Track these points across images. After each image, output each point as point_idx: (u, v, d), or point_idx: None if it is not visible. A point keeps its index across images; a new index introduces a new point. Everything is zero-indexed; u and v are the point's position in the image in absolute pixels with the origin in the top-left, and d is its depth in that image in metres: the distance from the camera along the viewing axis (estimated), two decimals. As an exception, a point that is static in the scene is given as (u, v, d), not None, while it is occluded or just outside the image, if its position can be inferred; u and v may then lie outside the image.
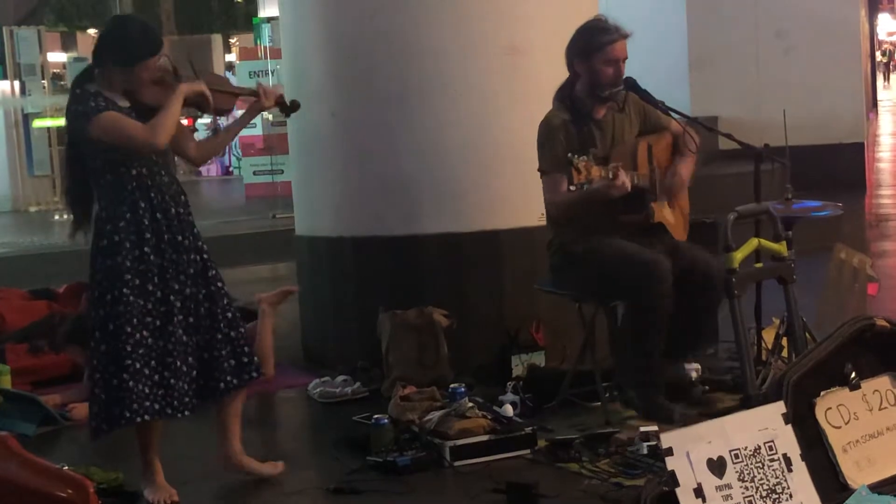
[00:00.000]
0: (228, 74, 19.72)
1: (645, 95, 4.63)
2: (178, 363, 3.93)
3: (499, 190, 5.49)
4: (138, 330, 3.88)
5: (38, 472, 3.64)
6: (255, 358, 4.15)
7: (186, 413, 3.97)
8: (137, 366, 3.87)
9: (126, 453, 4.53)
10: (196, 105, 4.11)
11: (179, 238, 3.99)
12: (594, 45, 4.56)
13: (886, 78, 46.57)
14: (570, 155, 4.22)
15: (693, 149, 4.70)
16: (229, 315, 4.06)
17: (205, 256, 4.05)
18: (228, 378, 4.05)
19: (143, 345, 3.89)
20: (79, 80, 4.02)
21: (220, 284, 4.07)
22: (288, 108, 4.31)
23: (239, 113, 4.30)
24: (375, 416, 4.42)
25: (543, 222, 4.86)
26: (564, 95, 4.67)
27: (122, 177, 3.93)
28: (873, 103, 22.67)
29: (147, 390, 3.88)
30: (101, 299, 3.93)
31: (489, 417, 4.37)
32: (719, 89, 10.45)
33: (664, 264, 4.35)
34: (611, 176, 4.25)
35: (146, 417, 3.90)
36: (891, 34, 54.35)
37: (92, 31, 27.88)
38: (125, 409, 3.88)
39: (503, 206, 5.50)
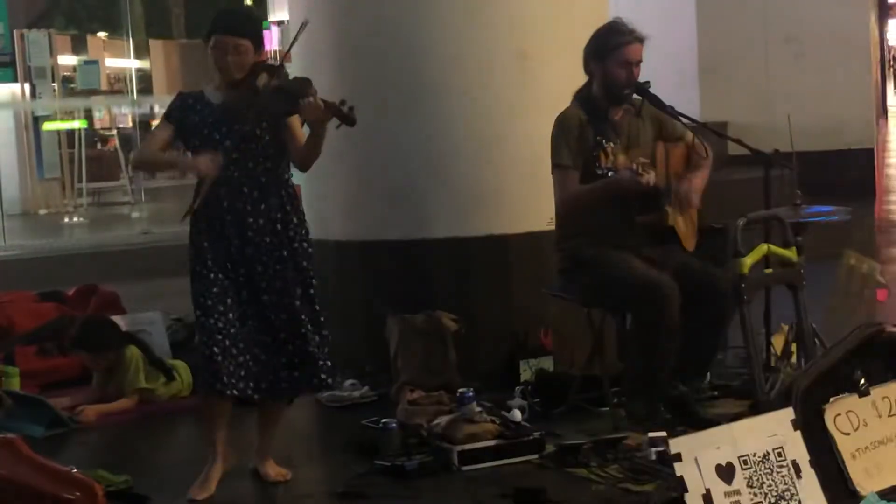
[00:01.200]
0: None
1: (655, 100, 4.64)
2: (227, 343, 3.99)
3: (507, 194, 5.49)
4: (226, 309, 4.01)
5: (47, 475, 3.65)
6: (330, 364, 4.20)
7: (228, 393, 4.01)
8: (227, 343, 3.97)
9: (134, 456, 4.55)
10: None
11: (267, 239, 4.08)
12: (608, 46, 4.58)
13: None
14: (598, 138, 4.24)
15: (705, 155, 4.69)
16: (310, 317, 4.13)
17: (284, 254, 4.10)
18: (322, 376, 4.15)
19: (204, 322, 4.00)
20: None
21: (303, 288, 4.15)
22: (349, 118, 4.14)
23: None
24: (383, 420, 4.42)
25: (552, 227, 4.85)
26: (582, 95, 4.69)
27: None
28: (883, 109, 22.64)
29: (232, 368, 3.97)
30: (190, 274, 4.09)
31: (497, 422, 4.36)
32: (729, 95, 10.43)
33: (671, 287, 4.34)
34: (639, 169, 4.27)
35: (233, 392, 3.99)
36: (901, 40, 54.18)
37: (102, 35, 27.94)
38: (216, 381, 3.97)
39: (512, 211, 5.50)
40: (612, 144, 4.26)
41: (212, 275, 4.04)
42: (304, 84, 4.09)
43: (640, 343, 4.43)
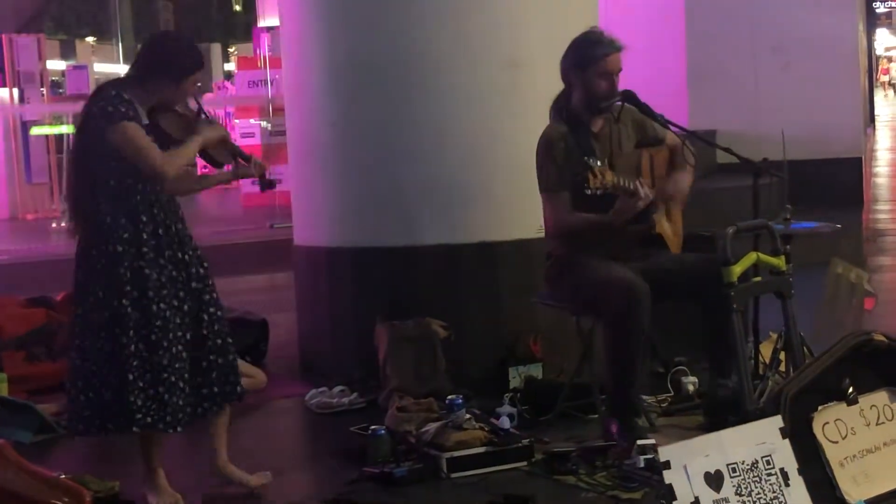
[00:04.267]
0: (227, 84, 19.76)
1: (645, 108, 4.64)
2: (174, 379, 3.91)
3: (497, 202, 5.50)
4: (133, 342, 3.87)
5: (35, 481, 3.64)
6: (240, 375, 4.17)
7: (179, 429, 3.97)
8: (130, 377, 3.86)
9: (122, 462, 4.53)
10: (208, 156, 4.16)
11: (180, 255, 4.00)
12: (589, 57, 4.57)
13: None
14: (586, 158, 4.24)
15: (691, 161, 4.71)
16: (224, 328, 4.08)
17: (202, 271, 4.05)
18: (226, 390, 4.07)
19: (139, 357, 3.88)
20: (117, 84, 4.01)
21: (215, 296, 4.09)
22: (266, 184, 4.40)
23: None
24: (372, 426, 4.41)
25: (541, 234, 4.86)
26: (561, 108, 4.68)
27: (128, 189, 3.93)
28: (871, 118, 22.73)
29: (140, 402, 3.87)
30: (98, 304, 3.91)
31: (486, 429, 4.36)
32: (718, 103, 10.44)
33: (642, 287, 4.35)
34: (631, 187, 4.27)
35: (134, 429, 3.91)
36: (889, 49, 54.54)
37: (90, 40, 27.93)
38: (123, 420, 3.89)
39: (501, 218, 5.51)
40: (599, 163, 4.24)
41: (154, 306, 3.91)
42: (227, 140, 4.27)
43: (611, 344, 4.43)
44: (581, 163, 4.28)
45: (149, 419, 3.90)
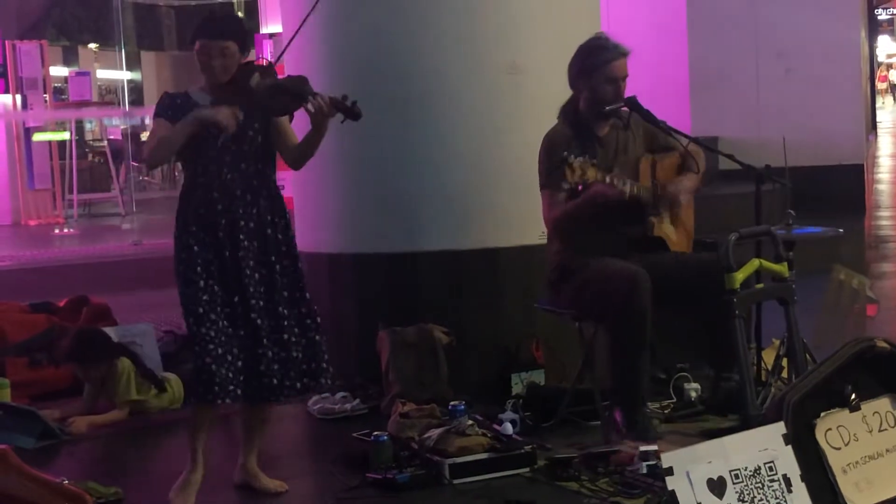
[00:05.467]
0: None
1: (647, 115, 4.65)
2: (212, 347, 3.96)
3: (499, 208, 5.50)
4: (191, 315, 4.00)
5: (38, 486, 3.64)
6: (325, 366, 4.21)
7: (228, 400, 3.99)
8: (220, 350, 3.95)
9: (124, 468, 4.53)
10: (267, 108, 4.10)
11: (241, 237, 4.05)
12: (594, 63, 4.59)
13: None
14: (565, 154, 4.24)
15: (696, 169, 4.72)
16: (298, 321, 4.14)
17: (272, 259, 4.10)
18: (303, 380, 4.15)
19: (190, 328, 4.00)
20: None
21: (291, 291, 4.14)
22: (353, 112, 4.14)
23: None
24: (375, 432, 4.41)
25: (544, 241, 4.87)
26: (568, 112, 4.69)
27: (190, 167, 4.11)
28: (873, 125, 22.71)
29: (228, 375, 3.96)
30: (180, 280, 4.06)
31: (489, 435, 4.36)
32: (720, 110, 10.47)
33: (644, 276, 4.36)
34: (607, 179, 4.27)
35: (191, 401, 4.08)
36: (890, 56, 54.54)
37: (93, 46, 27.92)
38: (209, 390, 3.95)
39: (503, 224, 5.51)
40: (579, 159, 4.23)
41: (202, 281, 4.01)
42: (302, 81, 4.10)
43: (615, 335, 4.43)
44: (561, 160, 4.24)
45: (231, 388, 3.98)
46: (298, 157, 4.23)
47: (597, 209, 4.41)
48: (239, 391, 4.00)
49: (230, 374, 3.97)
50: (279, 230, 4.14)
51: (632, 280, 4.35)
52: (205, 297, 4.00)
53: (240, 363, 4.02)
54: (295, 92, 4.07)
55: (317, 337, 4.17)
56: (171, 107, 4.07)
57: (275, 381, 4.07)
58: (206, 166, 4.07)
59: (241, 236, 4.06)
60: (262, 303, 4.07)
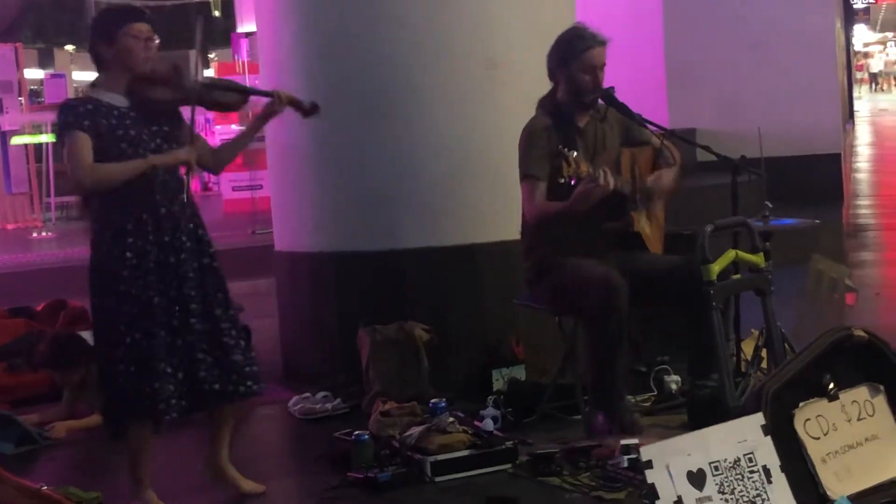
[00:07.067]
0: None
1: (622, 107, 4.65)
2: (162, 366, 3.87)
3: (478, 204, 5.49)
4: (126, 336, 3.85)
5: (17, 492, 3.63)
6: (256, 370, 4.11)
7: (168, 417, 3.90)
8: (132, 370, 3.86)
9: (104, 473, 4.51)
10: (217, 104, 4.09)
11: (167, 238, 3.94)
12: (572, 52, 4.59)
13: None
14: (560, 147, 4.24)
15: (673, 161, 4.73)
16: (234, 323, 4.05)
17: (205, 261, 4.02)
18: (248, 384, 4.04)
19: (130, 349, 3.86)
20: (84, 90, 4.00)
21: (224, 293, 4.05)
22: (306, 108, 4.18)
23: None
24: (356, 432, 4.40)
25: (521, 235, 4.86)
26: (547, 102, 4.70)
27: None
28: (850, 114, 22.81)
29: (172, 387, 3.87)
30: (95, 308, 3.93)
31: (470, 432, 4.36)
32: (697, 101, 10.48)
33: (619, 280, 4.37)
34: (596, 175, 4.27)
35: (136, 421, 3.92)
36: (867, 45, 54.77)
37: (70, 48, 27.82)
38: (117, 415, 3.90)
39: (483, 221, 5.51)
40: (574, 153, 4.26)
41: (141, 293, 3.87)
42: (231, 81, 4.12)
43: (591, 338, 4.43)
44: (557, 153, 4.29)
45: (173, 401, 3.88)
46: (223, 159, 4.24)
47: (581, 209, 4.40)
48: (184, 403, 3.91)
49: (172, 388, 3.89)
50: (203, 230, 4.06)
51: (606, 283, 4.35)
52: (140, 309, 3.88)
53: (181, 376, 3.92)
54: (240, 88, 4.08)
55: (248, 339, 4.12)
56: (86, 116, 3.85)
57: (217, 387, 3.98)
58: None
59: (183, 238, 3.96)
60: (200, 307, 3.97)
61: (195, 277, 3.97)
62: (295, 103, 4.15)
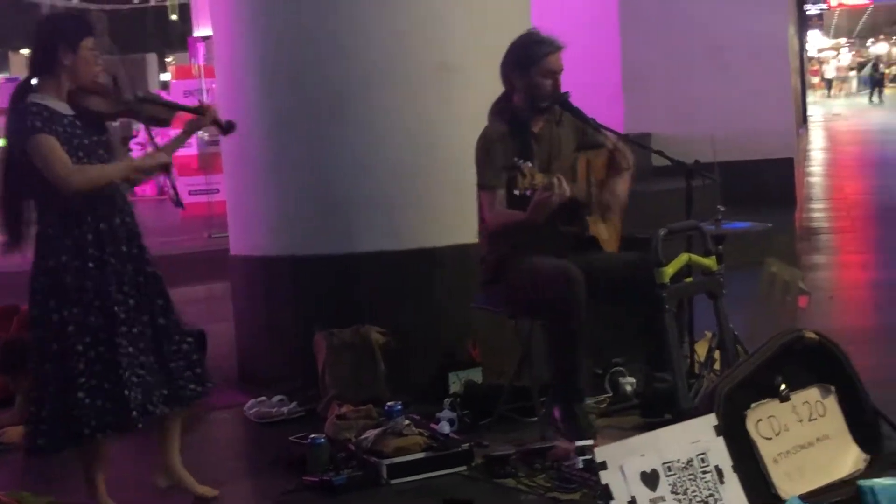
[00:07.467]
0: (163, 93, 19.63)
1: (577, 113, 4.68)
2: (128, 374, 3.87)
3: (434, 207, 5.50)
4: (90, 347, 3.85)
5: (-32, 499, 3.58)
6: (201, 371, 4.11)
7: (139, 426, 3.90)
8: (94, 382, 3.84)
9: (58, 478, 4.47)
10: (151, 119, 4.16)
11: (124, 248, 3.95)
12: (531, 57, 4.60)
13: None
14: (515, 159, 4.26)
15: (627, 165, 4.76)
16: (178, 327, 4.05)
17: (149, 269, 4.02)
18: (192, 387, 4.04)
19: (94, 360, 3.85)
20: (19, 93, 3.93)
21: (165, 299, 4.05)
22: (224, 127, 4.38)
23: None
24: (311, 435, 4.40)
25: (478, 238, 4.87)
26: (501, 108, 4.70)
27: (65, 197, 3.88)
28: (804, 119, 23.05)
29: (101, 404, 3.84)
30: (44, 319, 3.88)
31: (426, 435, 4.37)
32: (652, 106, 10.56)
33: (576, 272, 4.39)
34: (551, 185, 4.29)
35: (107, 432, 3.89)
36: (822, 50, 55.36)
37: (25, 52, 27.52)
38: (83, 427, 3.85)
39: (439, 224, 5.52)
40: (529, 164, 4.27)
41: (104, 303, 3.87)
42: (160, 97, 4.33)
43: (551, 333, 4.45)
44: (512, 165, 4.31)
45: (109, 418, 3.85)
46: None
47: (540, 218, 4.42)
48: (139, 410, 3.88)
49: (140, 396, 3.88)
50: (141, 237, 4.07)
51: (564, 275, 4.37)
52: (91, 319, 3.87)
53: (136, 381, 3.90)
54: (170, 104, 4.26)
55: (191, 342, 4.10)
56: (50, 121, 3.85)
57: (165, 392, 3.98)
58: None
59: (124, 247, 3.97)
60: (146, 316, 3.98)
61: (144, 286, 3.99)
62: (216, 121, 4.31)
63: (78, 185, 3.85)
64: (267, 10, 5.60)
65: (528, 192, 4.27)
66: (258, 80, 5.63)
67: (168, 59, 29.78)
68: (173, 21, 29.42)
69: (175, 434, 4.17)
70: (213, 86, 12.82)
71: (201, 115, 4.25)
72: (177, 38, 27.84)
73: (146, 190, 19.11)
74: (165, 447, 4.15)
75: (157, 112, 4.18)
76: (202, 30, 15.21)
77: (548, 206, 4.34)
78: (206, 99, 13.57)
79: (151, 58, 29.63)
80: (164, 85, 24.30)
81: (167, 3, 25.99)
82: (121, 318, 3.89)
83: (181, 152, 13.33)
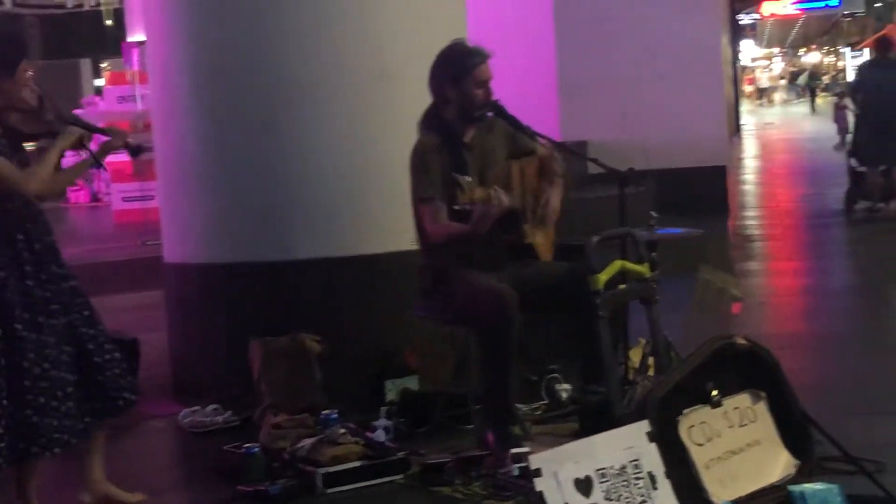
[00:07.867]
0: (97, 99, 19.41)
1: (512, 120, 4.69)
2: (69, 390, 3.86)
3: (371, 214, 5.49)
4: (37, 364, 3.81)
5: None
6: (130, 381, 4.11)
7: (57, 450, 3.88)
8: (42, 400, 3.80)
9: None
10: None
11: (54, 268, 3.95)
12: (464, 68, 4.61)
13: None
14: (454, 174, 4.26)
15: (559, 172, 4.78)
16: (105, 338, 4.03)
17: (74, 284, 4.02)
18: (126, 395, 4.03)
19: (45, 377, 3.82)
20: None
21: (90, 310, 4.04)
22: (134, 150, 4.43)
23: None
24: (246, 444, 4.37)
25: (416, 246, 4.87)
26: (432, 120, 4.70)
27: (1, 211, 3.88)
28: (737, 128, 23.35)
29: (55, 422, 3.82)
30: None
31: (361, 443, 4.35)
32: (588, 114, 10.63)
33: (510, 294, 4.39)
34: (489, 198, 4.30)
35: (59, 448, 3.86)
36: (755, 59, 56.13)
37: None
38: (32, 444, 3.81)
39: (376, 231, 5.51)
40: (467, 178, 4.28)
41: (33, 319, 3.85)
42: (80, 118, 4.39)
43: (483, 355, 4.45)
44: (451, 181, 4.30)
45: (64, 436, 3.84)
46: (56, 186, 4.22)
47: (485, 229, 4.42)
48: (67, 436, 3.87)
49: (56, 422, 3.85)
50: (60, 253, 4.07)
51: (498, 298, 4.36)
52: (33, 336, 3.84)
53: (69, 406, 3.88)
54: (89, 126, 4.29)
55: (116, 354, 4.08)
56: None
57: (97, 405, 3.98)
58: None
59: (46, 266, 3.95)
60: (71, 331, 3.96)
61: (68, 299, 3.98)
62: (127, 144, 4.34)
63: (34, 186, 3.92)
64: (200, 16, 5.56)
65: (468, 206, 4.27)
66: (192, 86, 5.58)
67: (103, 65, 29.42)
68: (108, 26, 29.08)
69: (99, 449, 4.13)
70: (147, 91, 12.76)
71: (114, 137, 4.27)
72: (111, 43, 27.53)
73: (79, 197, 18.91)
74: (89, 462, 4.12)
75: (87, 136, 4.21)
76: (137, 35, 15.07)
77: (489, 218, 4.35)
78: (138, 105, 13.47)
79: (85, 63, 29.27)
80: (98, 90, 24.00)
81: (102, 8, 25.67)
82: (55, 339, 3.87)
83: (115, 158, 13.19)
